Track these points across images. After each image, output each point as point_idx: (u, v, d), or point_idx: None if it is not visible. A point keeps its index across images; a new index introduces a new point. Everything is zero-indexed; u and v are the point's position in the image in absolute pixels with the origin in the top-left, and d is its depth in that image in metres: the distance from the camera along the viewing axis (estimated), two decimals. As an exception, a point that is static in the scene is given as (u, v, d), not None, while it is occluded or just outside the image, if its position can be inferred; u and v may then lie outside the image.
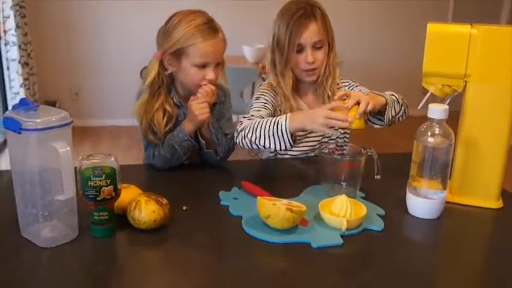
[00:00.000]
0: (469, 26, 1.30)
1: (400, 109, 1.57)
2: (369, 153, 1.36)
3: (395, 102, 1.56)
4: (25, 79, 4.51)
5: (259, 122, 1.48)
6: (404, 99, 1.63)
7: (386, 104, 1.50)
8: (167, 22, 1.55)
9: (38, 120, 1.03)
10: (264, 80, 4.65)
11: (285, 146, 1.44)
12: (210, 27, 1.52)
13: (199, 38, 1.49)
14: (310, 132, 1.68)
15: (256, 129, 1.46)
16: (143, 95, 1.57)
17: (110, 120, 5.26)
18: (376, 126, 1.59)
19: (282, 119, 1.44)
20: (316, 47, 1.63)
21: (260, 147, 1.47)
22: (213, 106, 1.64)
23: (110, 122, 5.25)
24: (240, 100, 4.35)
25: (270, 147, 1.45)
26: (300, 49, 1.63)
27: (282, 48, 1.63)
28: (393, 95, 1.59)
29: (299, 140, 1.66)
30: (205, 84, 1.53)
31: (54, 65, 5.14)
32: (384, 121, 1.53)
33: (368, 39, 5.62)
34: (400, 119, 1.59)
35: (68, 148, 1.04)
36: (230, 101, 1.74)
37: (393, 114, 1.53)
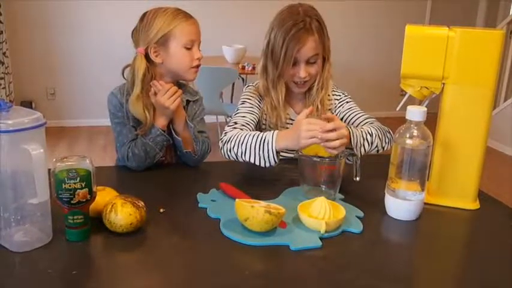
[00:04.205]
0: (447, 28, 1.30)
1: (371, 146, 1.50)
2: (348, 159, 1.35)
3: (366, 142, 1.48)
4: (0, 78, 4.43)
5: (244, 136, 1.45)
6: (389, 133, 1.56)
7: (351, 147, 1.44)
8: (141, 20, 1.58)
9: (10, 122, 1.00)
10: (243, 80, 4.67)
11: (270, 164, 1.41)
12: (184, 12, 1.59)
13: (181, 19, 1.56)
14: None
15: (242, 144, 1.44)
16: (135, 89, 1.55)
17: (87, 120, 5.21)
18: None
19: (268, 136, 1.41)
20: (310, 61, 1.59)
21: (246, 161, 1.45)
22: (186, 105, 1.68)
23: (87, 122, 5.20)
24: (219, 101, 4.34)
25: (254, 163, 1.43)
26: (294, 62, 1.58)
27: (276, 61, 1.57)
28: (369, 133, 1.50)
29: None
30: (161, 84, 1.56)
31: (31, 64, 5.06)
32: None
33: (348, 41, 5.66)
34: (376, 152, 1.54)
35: (41, 150, 1.01)
36: (202, 104, 1.76)
37: (362, 151, 1.48)
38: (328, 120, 1.37)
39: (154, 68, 1.59)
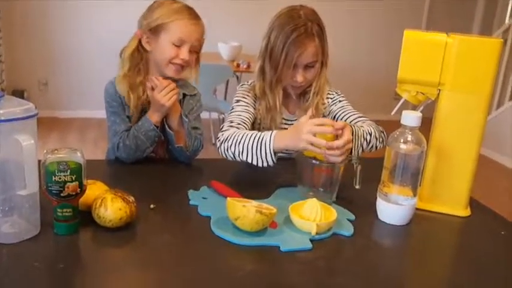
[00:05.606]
0: (445, 34, 1.30)
1: (368, 146, 1.49)
2: (350, 161, 1.34)
3: (365, 142, 1.48)
4: (-7, 66, 4.40)
5: (242, 135, 1.42)
6: (382, 132, 1.56)
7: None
8: (150, 5, 1.60)
9: (1, 111, 0.98)
10: (237, 78, 4.66)
11: (267, 164, 1.38)
12: (193, 12, 1.59)
13: (183, 16, 1.55)
14: None
15: (239, 143, 1.40)
16: (123, 67, 1.58)
17: (79, 111, 5.18)
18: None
19: (266, 137, 1.37)
20: (308, 65, 1.57)
21: (243, 161, 1.42)
22: (182, 98, 1.67)
23: (79, 114, 5.16)
24: (213, 97, 4.33)
25: (252, 163, 1.40)
26: (293, 66, 1.55)
27: (275, 64, 1.55)
28: (369, 132, 1.50)
29: None
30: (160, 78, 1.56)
31: (24, 53, 5.02)
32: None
33: (343, 43, 5.65)
34: (373, 149, 1.53)
35: (32, 141, 1.00)
36: (200, 101, 1.74)
37: (360, 151, 1.47)
38: (341, 130, 1.32)
39: (147, 54, 1.61)
